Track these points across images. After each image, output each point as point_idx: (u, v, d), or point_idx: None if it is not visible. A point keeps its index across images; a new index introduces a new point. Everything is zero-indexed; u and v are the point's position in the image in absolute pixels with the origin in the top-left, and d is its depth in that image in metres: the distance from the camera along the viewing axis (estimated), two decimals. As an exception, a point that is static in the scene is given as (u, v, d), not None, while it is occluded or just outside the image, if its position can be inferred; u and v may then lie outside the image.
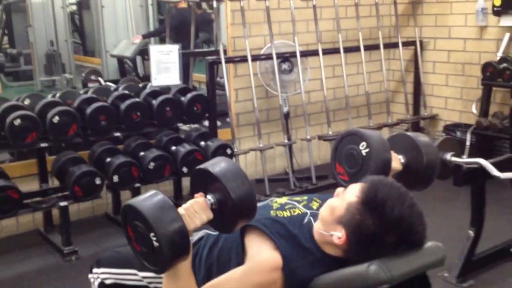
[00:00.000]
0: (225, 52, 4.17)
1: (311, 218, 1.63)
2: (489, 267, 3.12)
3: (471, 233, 3.03)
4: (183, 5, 6.00)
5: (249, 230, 1.63)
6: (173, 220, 1.41)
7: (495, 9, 4.46)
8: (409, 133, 2.01)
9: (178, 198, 4.18)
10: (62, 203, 3.37)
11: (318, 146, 4.92)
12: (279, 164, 4.85)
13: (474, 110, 4.80)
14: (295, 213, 1.67)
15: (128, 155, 3.64)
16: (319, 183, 4.40)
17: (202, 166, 1.55)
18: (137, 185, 3.62)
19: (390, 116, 4.96)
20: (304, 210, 1.69)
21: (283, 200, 1.76)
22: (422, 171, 1.90)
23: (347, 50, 4.68)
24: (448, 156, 2.79)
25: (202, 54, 5.26)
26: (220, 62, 4.08)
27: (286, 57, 4.37)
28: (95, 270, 2.01)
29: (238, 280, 1.54)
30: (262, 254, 1.55)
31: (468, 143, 4.64)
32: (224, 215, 1.52)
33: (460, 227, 3.37)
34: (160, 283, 1.91)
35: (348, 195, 1.52)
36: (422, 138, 1.96)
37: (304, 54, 4.47)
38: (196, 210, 1.49)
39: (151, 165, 3.57)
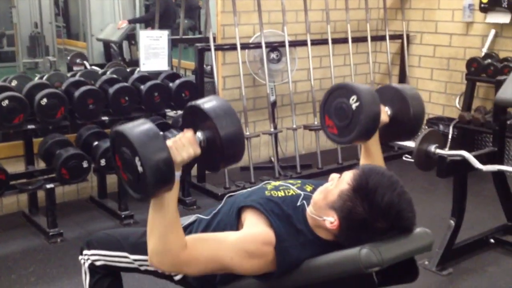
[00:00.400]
0: (214, 39, 4.18)
1: (304, 202, 1.66)
2: (468, 256, 3.20)
3: (452, 222, 3.11)
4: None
5: (245, 210, 1.65)
6: (160, 149, 1.41)
7: (482, 5, 4.54)
8: (395, 85, 2.04)
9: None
10: (49, 185, 3.36)
11: (302, 135, 4.97)
12: (264, 152, 4.89)
13: (457, 104, 4.89)
14: (289, 194, 1.70)
15: (116, 139, 3.64)
16: (304, 171, 4.46)
17: (194, 102, 1.56)
18: (124, 169, 3.62)
19: (375, 108, 5.01)
20: (298, 191, 1.72)
21: (277, 182, 1.80)
22: (409, 122, 1.93)
23: (335, 41, 4.72)
24: (432, 148, 2.85)
25: (191, 40, 5.27)
26: (210, 50, 4.09)
27: (275, 47, 4.40)
28: (85, 251, 2.02)
29: (231, 243, 1.56)
30: (257, 227, 1.58)
31: (450, 136, 4.73)
32: (212, 153, 1.53)
33: (440, 217, 3.46)
34: (151, 265, 1.94)
35: (341, 182, 1.56)
36: (408, 90, 1.99)
37: (293, 44, 4.51)
38: (184, 144, 1.49)
39: (139, 149, 3.58)
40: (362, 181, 1.51)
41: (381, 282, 1.61)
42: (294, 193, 1.72)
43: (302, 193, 1.72)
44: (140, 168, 1.41)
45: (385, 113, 1.94)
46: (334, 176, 1.62)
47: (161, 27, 4.86)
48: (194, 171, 4.11)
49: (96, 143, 3.56)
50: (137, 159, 1.41)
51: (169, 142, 1.48)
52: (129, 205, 3.71)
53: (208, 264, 1.55)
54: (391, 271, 1.57)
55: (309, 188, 1.75)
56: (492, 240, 3.31)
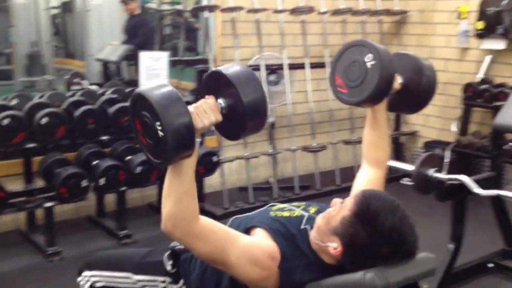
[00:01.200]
0: (214, 61, 4.22)
1: (308, 226, 1.67)
2: (467, 280, 3.21)
3: (451, 247, 3.12)
4: (136, 12, 6.12)
5: (251, 231, 1.65)
6: (181, 114, 1.37)
7: (478, 32, 4.61)
8: (412, 53, 1.95)
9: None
10: (48, 204, 3.36)
11: (301, 156, 4.99)
12: (262, 173, 4.90)
13: (454, 128, 4.93)
14: (294, 215, 1.71)
15: (115, 159, 3.66)
16: (302, 193, 4.48)
17: (216, 68, 1.52)
18: (123, 188, 3.63)
19: (372, 131, 5.05)
20: (302, 212, 1.73)
21: (283, 205, 1.81)
22: (419, 94, 1.88)
23: (333, 64, 4.77)
24: (431, 172, 2.88)
25: (190, 62, 5.29)
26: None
27: (274, 69, 4.45)
28: (85, 273, 2.01)
29: (242, 243, 1.55)
30: (266, 240, 1.59)
31: (447, 160, 4.75)
32: (233, 121, 1.49)
33: (439, 241, 3.46)
34: (155, 286, 1.94)
35: (343, 208, 1.57)
36: (424, 61, 1.91)
37: (292, 67, 4.55)
38: (205, 110, 1.46)
39: (138, 169, 3.59)
40: (364, 206, 1.52)
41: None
42: (298, 214, 1.73)
43: (306, 214, 1.73)
44: (160, 133, 1.37)
45: (397, 80, 1.88)
46: (336, 201, 1.64)
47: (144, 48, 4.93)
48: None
49: (95, 162, 3.57)
50: (158, 123, 1.37)
51: (190, 108, 1.44)
52: (127, 225, 3.71)
53: (215, 250, 1.52)
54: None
55: (313, 210, 1.76)
56: (490, 265, 3.32)
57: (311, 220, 1.68)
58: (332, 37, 4.93)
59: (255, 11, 4.27)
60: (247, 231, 1.66)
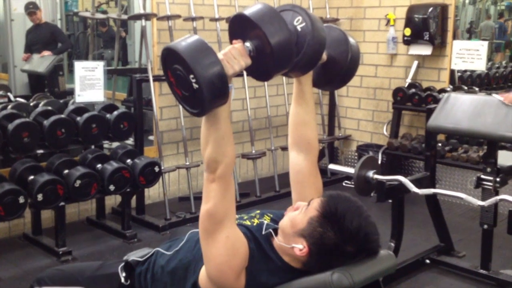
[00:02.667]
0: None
1: (270, 230, 1.69)
2: (407, 277, 3.34)
3: (392, 245, 3.25)
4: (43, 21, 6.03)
5: None
6: (212, 63, 1.40)
7: (405, 38, 4.83)
8: (338, 27, 1.89)
9: (101, 217, 4.10)
10: (-18, 223, 3.20)
11: (239, 164, 5.02)
12: (202, 182, 4.87)
13: (385, 131, 5.13)
14: (255, 224, 1.73)
15: (52, 173, 3.53)
16: (243, 200, 4.50)
17: (239, 12, 1.51)
18: (62, 203, 3.51)
19: (308, 136, 5.16)
20: (260, 220, 1.75)
21: (239, 215, 1.81)
22: (344, 67, 1.82)
23: (269, 72, 4.83)
24: (371, 174, 2.98)
25: (126, 71, 5.23)
26: (148, 80, 4.08)
27: (211, 77, 4.44)
28: (36, 289, 1.96)
29: (236, 230, 1.58)
30: (244, 239, 1.60)
31: (379, 162, 4.94)
32: (262, 63, 1.50)
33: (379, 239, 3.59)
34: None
35: (309, 209, 1.61)
36: (350, 36, 1.87)
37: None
38: (234, 56, 1.47)
39: (77, 183, 3.49)
40: (331, 207, 1.57)
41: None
42: (258, 222, 1.75)
43: (264, 221, 1.75)
44: (195, 85, 1.40)
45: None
46: (300, 204, 1.67)
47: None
48: (133, 203, 4.03)
49: (31, 177, 3.43)
50: (191, 76, 1.40)
51: (219, 55, 1.45)
52: (66, 241, 3.58)
53: (223, 210, 1.55)
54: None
55: (267, 219, 1.78)
56: (427, 261, 3.47)
57: (269, 226, 1.71)
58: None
59: (192, 19, 4.26)
60: None
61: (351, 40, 1.85)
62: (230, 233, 1.54)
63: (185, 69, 1.42)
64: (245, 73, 4.41)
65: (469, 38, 5.49)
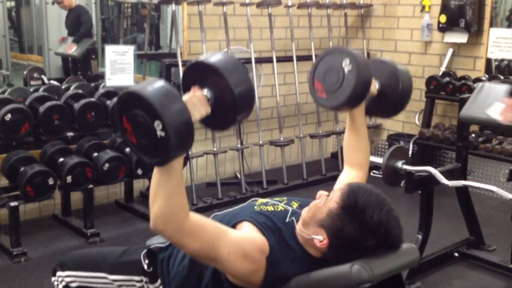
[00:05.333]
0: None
1: (293, 218, 1.67)
2: (434, 270, 3.28)
3: (419, 237, 3.19)
4: (73, 5, 6.06)
5: (237, 226, 1.63)
6: (181, 110, 1.33)
7: (440, 25, 4.70)
8: (387, 59, 2.04)
9: (129, 200, 4.15)
10: (13, 203, 3.26)
11: (267, 151, 5.00)
12: (229, 168, 4.89)
13: (417, 121, 5.03)
14: (278, 209, 1.70)
15: (81, 156, 3.58)
16: (270, 187, 4.48)
17: (197, 59, 1.48)
18: (90, 186, 3.55)
19: (338, 124, 5.11)
20: (286, 207, 1.73)
21: (265, 199, 1.80)
22: (396, 98, 1.94)
23: (300, 58, 4.79)
24: (400, 164, 2.92)
25: (156, 56, 5.24)
26: (177, 65, 4.08)
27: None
28: (59, 273, 1.97)
29: (232, 238, 1.53)
30: (255, 234, 1.57)
31: (410, 152, 4.85)
32: (221, 111, 1.46)
33: (406, 231, 3.52)
34: (132, 285, 1.91)
35: (329, 200, 1.58)
36: (400, 66, 1.98)
37: (259, 60, 4.55)
38: (195, 104, 1.43)
39: (106, 166, 3.52)
40: (351, 200, 1.53)
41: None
42: (283, 209, 1.72)
43: (290, 208, 1.72)
44: (160, 133, 1.31)
45: (374, 85, 1.94)
46: (322, 193, 1.64)
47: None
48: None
49: (61, 159, 3.48)
50: (156, 123, 1.31)
51: None
52: (94, 223, 3.63)
53: (205, 246, 1.49)
54: (378, 287, 1.59)
55: (295, 205, 1.76)
56: (456, 254, 3.40)
57: (295, 214, 1.68)
58: (298, 30, 4.95)
59: (222, 4, 4.23)
60: (234, 226, 1.65)
61: (402, 71, 1.95)
62: (229, 247, 1.51)
63: (151, 116, 1.32)
64: (275, 60, 4.43)
65: (509, 26, 5.31)
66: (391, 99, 1.95)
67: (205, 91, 1.46)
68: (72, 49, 6.30)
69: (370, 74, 1.83)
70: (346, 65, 1.80)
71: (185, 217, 1.46)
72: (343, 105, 1.85)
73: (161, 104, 1.31)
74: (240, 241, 1.54)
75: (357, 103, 1.88)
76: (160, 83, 1.36)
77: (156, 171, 1.45)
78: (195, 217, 1.50)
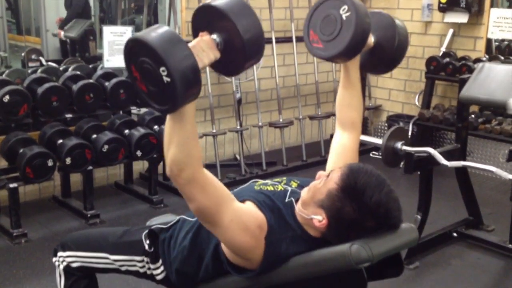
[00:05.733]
0: (179, 36, 4.14)
1: (292, 198, 1.67)
2: (433, 250, 3.31)
3: (418, 217, 3.20)
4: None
5: None
6: (186, 56, 1.32)
7: (441, 5, 4.68)
8: (385, 12, 1.93)
9: (129, 182, 4.15)
10: (12, 185, 3.26)
11: (267, 133, 5.00)
12: (228, 150, 4.89)
13: (416, 102, 5.02)
14: (278, 189, 1.70)
15: (80, 137, 3.57)
16: (269, 169, 4.48)
17: (205, 3, 1.45)
18: (90, 167, 3.55)
19: (337, 105, 5.08)
20: (285, 187, 1.73)
21: (265, 180, 1.80)
22: (391, 52, 1.87)
23: (299, 39, 4.76)
24: (399, 145, 2.92)
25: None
26: (175, 46, 4.04)
27: (240, 44, 4.39)
28: (60, 253, 1.98)
29: (235, 208, 1.53)
30: (256, 210, 1.57)
31: (410, 133, 4.85)
32: (231, 56, 1.44)
33: (406, 211, 3.52)
34: (133, 266, 1.92)
35: (329, 181, 1.57)
36: (398, 20, 1.89)
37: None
38: (203, 48, 1.41)
39: (105, 148, 3.52)
40: (351, 181, 1.52)
41: (367, 277, 1.64)
42: (282, 189, 1.72)
43: (289, 188, 1.72)
44: (166, 79, 1.31)
45: (370, 37, 1.84)
46: (321, 173, 1.63)
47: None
48: (160, 169, 4.06)
49: (60, 141, 3.48)
50: (162, 69, 1.31)
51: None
52: (94, 204, 3.64)
53: (212, 204, 1.48)
54: (377, 266, 1.60)
55: (294, 185, 1.75)
56: (455, 234, 3.42)
57: (294, 193, 1.68)
58: (297, 10, 4.91)
59: (221, -16, 4.19)
60: None
61: (399, 25, 1.87)
62: (232, 215, 1.50)
63: (156, 62, 1.32)
64: (274, 41, 4.40)
65: (510, 7, 5.27)
66: (387, 53, 1.87)
67: (214, 36, 1.44)
68: (60, 36, 6.26)
69: (369, 21, 1.73)
70: (344, 12, 1.71)
71: (199, 166, 1.45)
72: (341, 54, 1.74)
73: (165, 49, 1.30)
74: (243, 212, 1.54)
75: (355, 53, 1.78)
76: (164, 29, 1.35)
77: (168, 119, 1.44)
78: (209, 173, 1.50)
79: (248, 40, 1.39)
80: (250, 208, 1.57)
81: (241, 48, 1.41)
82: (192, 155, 1.43)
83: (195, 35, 1.49)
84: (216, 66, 1.50)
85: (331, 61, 1.86)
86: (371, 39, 1.85)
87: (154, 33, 1.33)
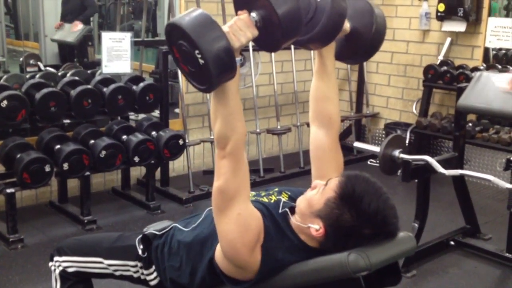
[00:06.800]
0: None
1: (286, 209, 1.67)
2: (430, 258, 3.30)
3: (416, 225, 3.20)
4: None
5: None
6: (218, 37, 1.36)
7: (439, 14, 4.69)
8: None
9: (126, 188, 4.15)
10: (9, 190, 3.26)
11: (264, 139, 5.00)
12: (226, 156, 4.88)
13: (414, 110, 5.03)
14: (272, 201, 1.71)
15: (78, 143, 3.57)
16: (266, 175, 4.49)
17: None
18: (87, 173, 3.55)
19: (335, 113, 5.09)
20: (278, 198, 1.73)
21: (257, 191, 1.80)
22: (368, 39, 1.76)
23: (297, 46, 4.76)
24: (397, 153, 2.92)
25: (154, 43, 5.22)
26: (174, 52, 4.05)
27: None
28: (56, 258, 1.99)
29: (249, 206, 1.55)
30: (259, 216, 1.57)
31: (407, 141, 4.86)
32: (270, 33, 1.45)
33: (403, 219, 3.52)
34: (127, 270, 1.92)
35: (326, 190, 1.57)
36: (375, 6, 1.79)
37: (257, 48, 4.52)
38: (240, 28, 1.42)
39: (103, 153, 3.52)
40: (349, 188, 1.53)
41: (365, 286, 1.64)
42: (275, 199, 1.73)
43: (282, 199, 1.73)
44: (201, 61, 1.37)
45: (346, 22, 1.73)
46: (318, 183, 1.63)
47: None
48: (157, 174, 4.06)
49: (58, 146, 3.47)
50: (197, 51, 1.36)
51: (225, 28, 1.41)
52: (91, 210, 3.63)
53: (235, 187, 1.51)
54: (374, 275, 1.60)
55: (285, 197, 1.75)
56: (452, 243, 3.42)
57: (287, 204, 1.69)
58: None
59: (220, -9, 4.21)
60: None
61: (377, 11, 1.77)
62: (242, 209, 1.51)
63: (190, 45, 1.37)
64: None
65: (507, 16, 5.30)
66: (364, 41, 1.76)
67: (253, 14, 1.45)
68: (77, 27, 6.26)
69: (345, 5, 1.62)
70: None
71: (242, 142, 1.51)
72: (315, 39, 1.62)
73: (197, 32, 1.35)
74: (251, 212, 1.55)
75: (331, 38, 1.67)
76: (197, 12, 1.40)
77: (213, 95, 1.49)
78: (246, 160, 1.54)
79: (283, 16, 1.39)
80: (257, 213, 1.57)
81: (277, 25, 1.41)
82: (237, 130, 1.49)
83: (235, 13, 1.50)
84: (257, 42, 1.51)
85: (304, 47, 1.75)
86: (347, 25, 1.74)
87: (188, 17, 1.39)
